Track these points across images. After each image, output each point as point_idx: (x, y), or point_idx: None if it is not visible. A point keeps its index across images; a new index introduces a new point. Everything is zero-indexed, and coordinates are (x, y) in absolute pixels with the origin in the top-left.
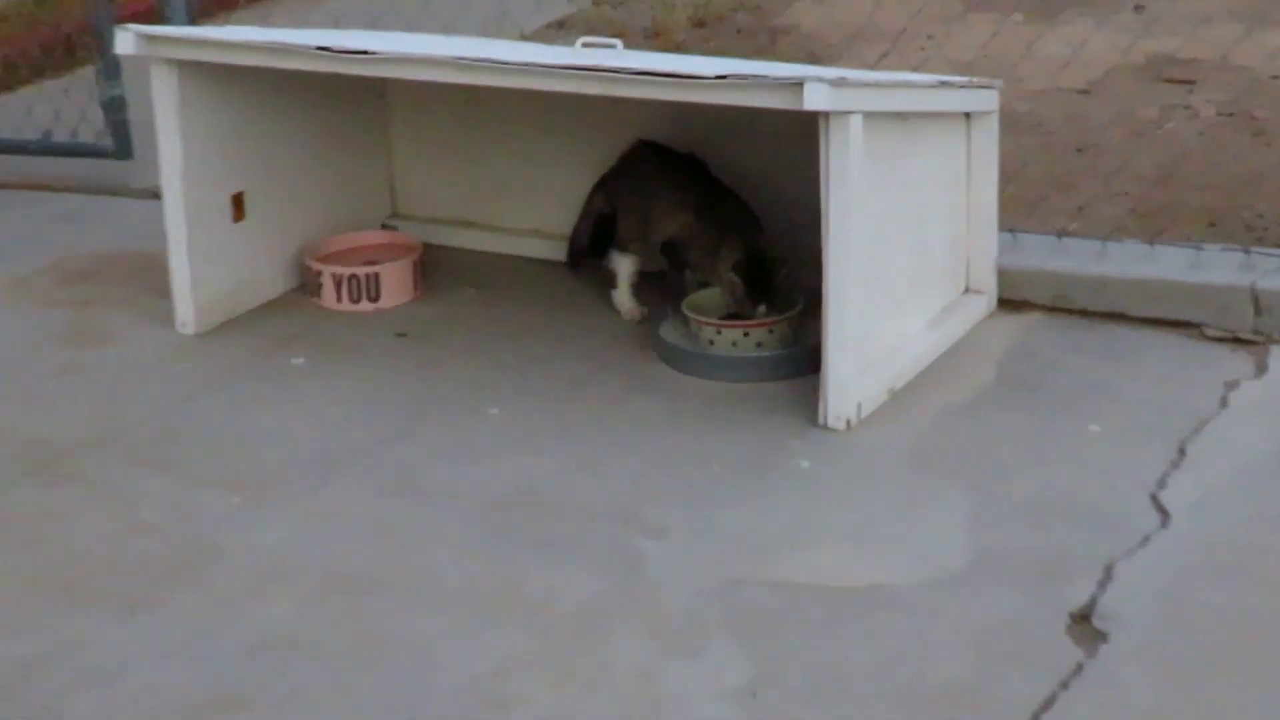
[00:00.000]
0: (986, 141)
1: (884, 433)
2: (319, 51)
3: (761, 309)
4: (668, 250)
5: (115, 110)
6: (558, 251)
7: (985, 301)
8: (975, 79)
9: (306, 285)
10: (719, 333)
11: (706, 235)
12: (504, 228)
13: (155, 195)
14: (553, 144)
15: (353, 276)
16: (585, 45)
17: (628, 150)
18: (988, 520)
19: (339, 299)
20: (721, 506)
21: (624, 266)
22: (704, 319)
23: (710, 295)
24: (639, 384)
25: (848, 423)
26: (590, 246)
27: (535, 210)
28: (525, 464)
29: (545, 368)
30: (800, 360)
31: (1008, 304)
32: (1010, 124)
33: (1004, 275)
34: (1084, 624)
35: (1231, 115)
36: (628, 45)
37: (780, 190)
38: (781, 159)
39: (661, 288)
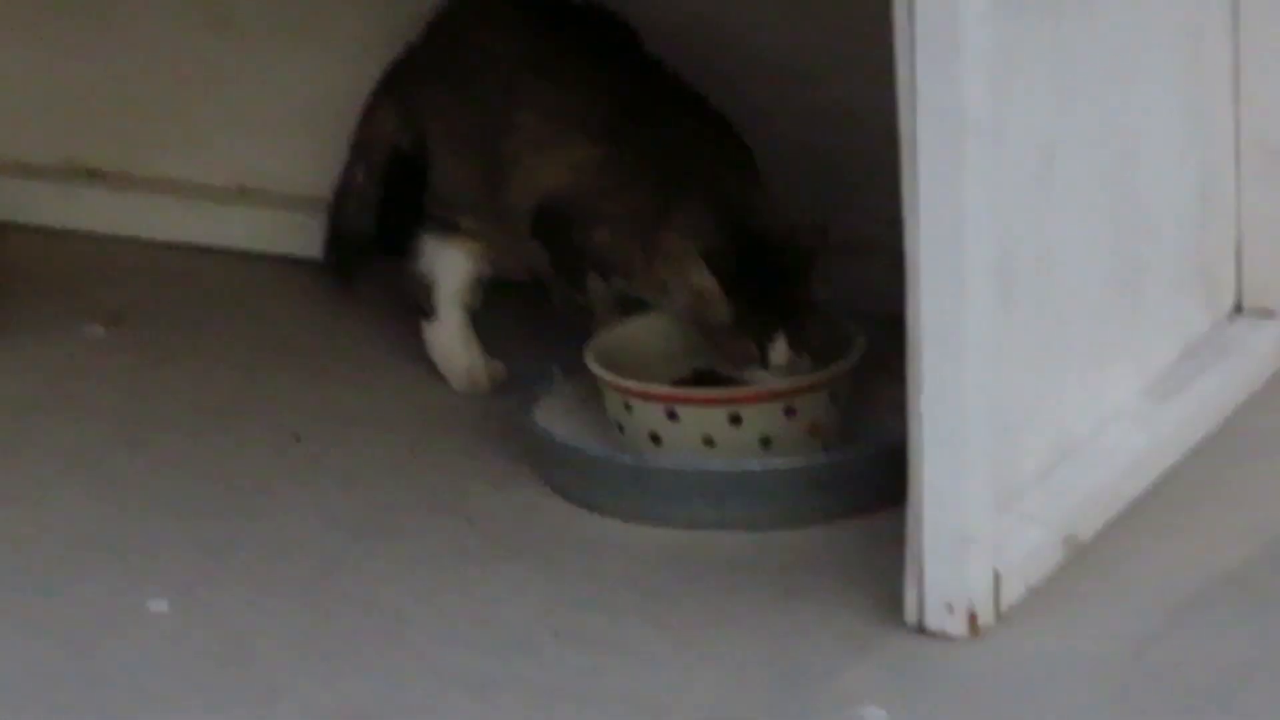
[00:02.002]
0: None
1: (1056, 640)
2: None
3: (777, 353)
4: (546, 227)
5: None
6: (302, 238)
7: (1278, 335)
8: None
9: None
10: (672, 415)
11: (634, 189)
12: (170, 181)
13: None
14: None
15: None
16: None
17: (450, 1)
18: None
19: None
20: None
21: (450, 269)
22: (635, 385)
23: (646, 330)
24: (492, 538)
25: (971, 620)
26: (377, 225)
27: (240, 144)
28: None
29: (268, 509)
30: (858, 477)
31: None
32: None
33: None
34: None
35: None
36: None
37: (803, 95)
38: (802, 28)
39: (537, 315)
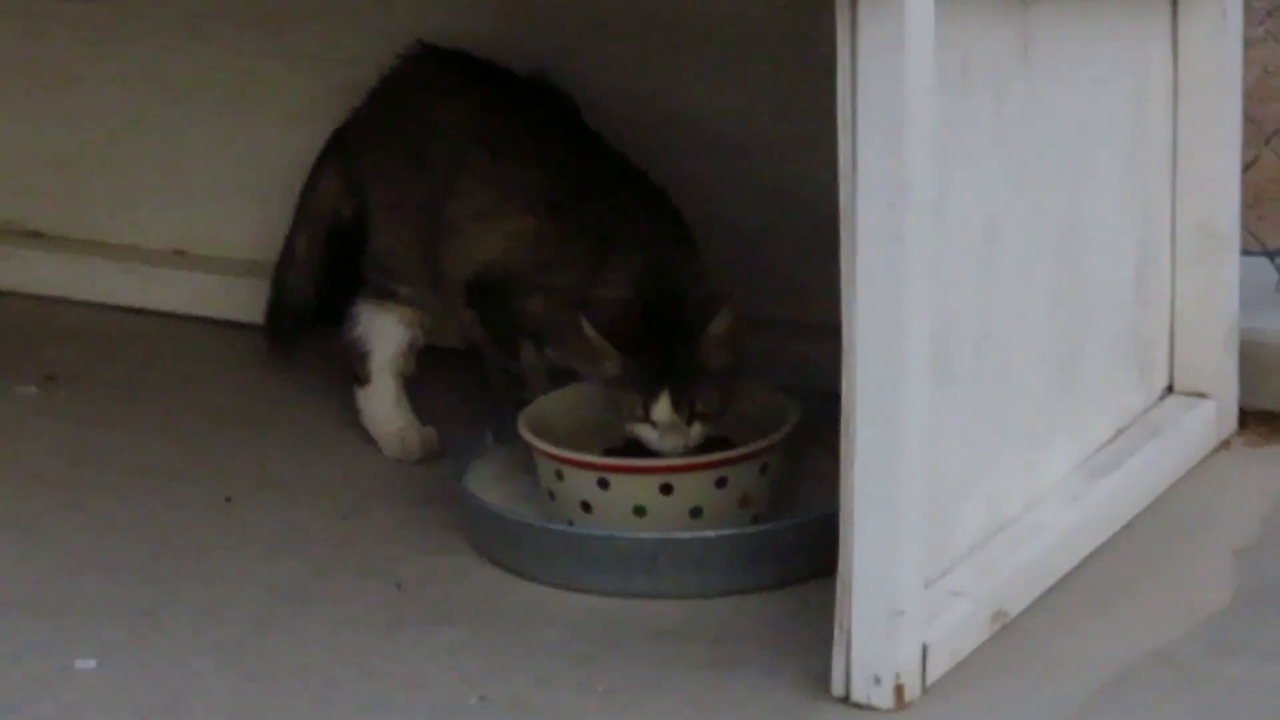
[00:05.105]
0: (1219, 55)
1: (982, 715)
2: None
3: (659, 411)
4: (482, 296)
5: None
6: (240, 303)
7: (1211, 415)
8: None
9: None
10: (602, 483)
11: (568, 261)
12: (109, 244)
13: None
14: (223, 55)
15: None
16: None
17: (397, 67)
18: None
19: None
20: None
21: (384, 336)
22: (567, 453)
23: (579, 399)
24: (423, 603)
25: (898, 693)
26: (317, 293)
27: (179, 208)
28: None
29: (199, 571)
30: (789, 548)
31: (1263, 419)
32: None
33: (1254, 356)
34: None
35: None
36: None
37: (745, 170)
38: (745, 104)
39: (470, 383)
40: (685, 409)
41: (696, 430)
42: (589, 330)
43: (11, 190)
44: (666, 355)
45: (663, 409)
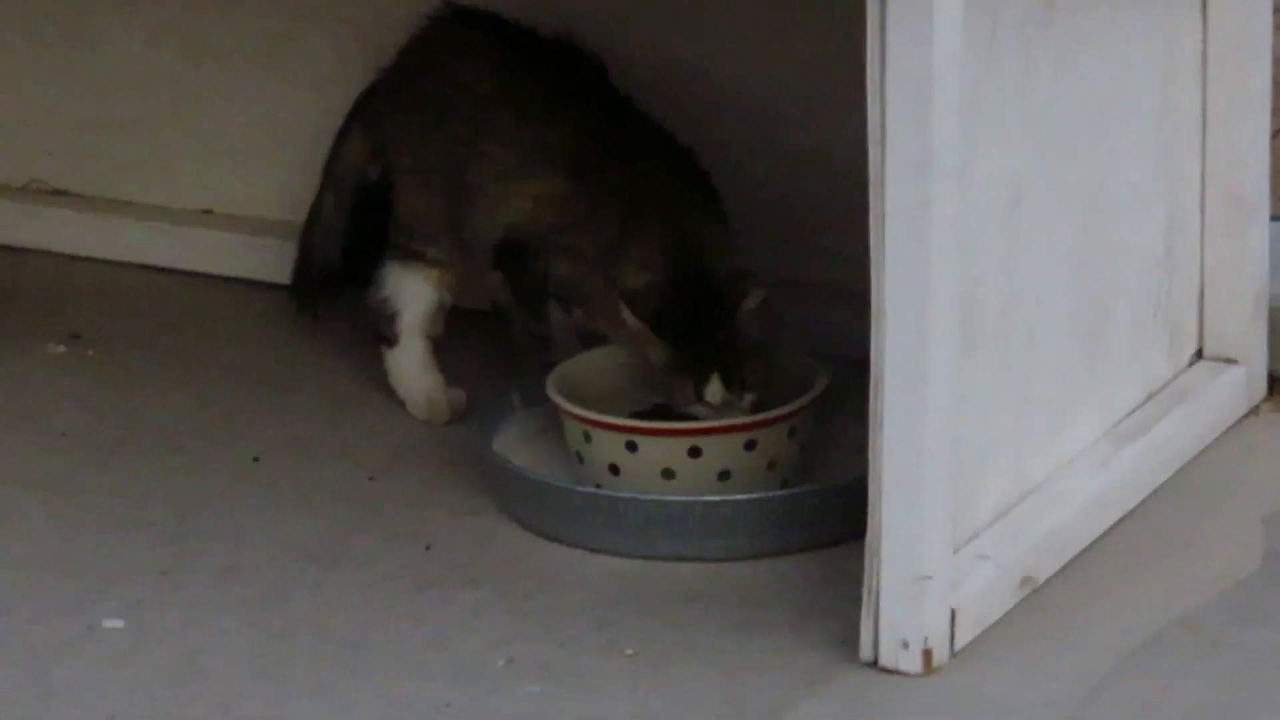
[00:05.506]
0: (1249, 21)
1: (1010, 680)
2: None
3: (712, 393)
4: (509, 258)
5: None
6: (267, 262)
7: (1239, 381)
8: None
9: None
10: (630, 446)
11: (595, 224)
12: (136, 203)
13: None
14: (252, 15)
15: None
16: None
17: (424, 28)
18: None
19: None
20: None
21: (413, 297)
22: (595, 416)
23: (607, 361)
24: (449, 565)
25: (926, 658)
26: (344, 254)
27: (207, 167)
28: None
29: (225, 531)
30: (816, 512)
31: None
32: None
33: None
34: None
35: None
36: None
37: (773, 136)
38: (773, 70)
39: (498, 344)
40: (737, 386)
41: (749, 400)
42: (632, 321)
43: (39, 149)
44: (709, 337)
45: (715, 390)
